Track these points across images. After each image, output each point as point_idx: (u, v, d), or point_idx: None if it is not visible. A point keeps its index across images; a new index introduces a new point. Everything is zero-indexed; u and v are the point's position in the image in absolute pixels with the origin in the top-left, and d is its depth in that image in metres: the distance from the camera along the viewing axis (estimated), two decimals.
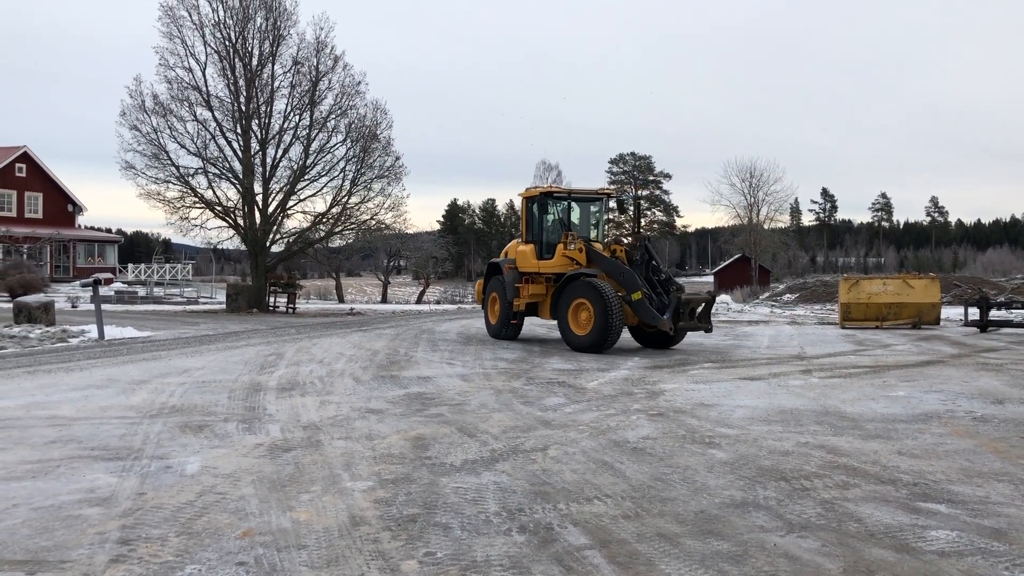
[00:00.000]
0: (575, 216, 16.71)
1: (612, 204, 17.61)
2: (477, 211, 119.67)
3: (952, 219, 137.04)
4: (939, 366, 12.17)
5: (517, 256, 16.51)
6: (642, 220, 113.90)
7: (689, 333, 15.36)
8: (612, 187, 19.52)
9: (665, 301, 13.99)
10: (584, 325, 14.18)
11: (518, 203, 18.14)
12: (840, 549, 4.27)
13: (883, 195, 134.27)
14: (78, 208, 55.49)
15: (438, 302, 51.72)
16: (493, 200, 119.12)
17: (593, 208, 16.90)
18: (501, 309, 16.48)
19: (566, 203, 16.57)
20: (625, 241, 15.63)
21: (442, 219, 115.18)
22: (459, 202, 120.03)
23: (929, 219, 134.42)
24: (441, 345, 15.21)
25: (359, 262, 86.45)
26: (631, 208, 17.04)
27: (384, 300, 54.46)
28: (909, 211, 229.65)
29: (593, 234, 16.53)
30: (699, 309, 14.38)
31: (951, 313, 23.69)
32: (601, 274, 14.52)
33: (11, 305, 20.39)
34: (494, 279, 17.02)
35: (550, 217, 16.19)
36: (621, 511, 4.90)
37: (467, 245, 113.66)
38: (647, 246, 14.91)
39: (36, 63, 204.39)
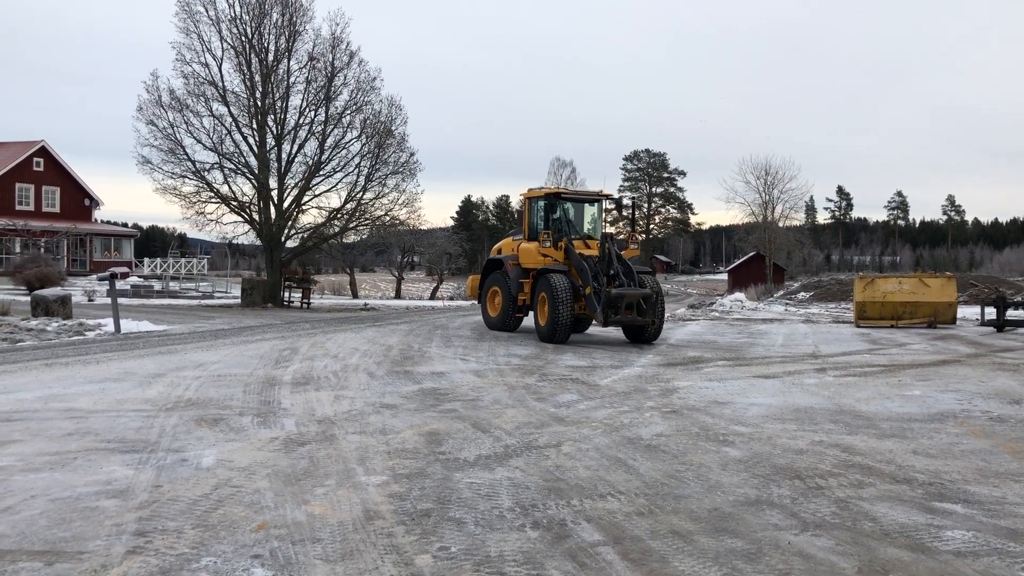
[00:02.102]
0: (575, 215, 17.35)
1: (609, 205, 18.40)
2: (491, 207, 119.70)
3: (969, 218, 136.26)
4: (955, 365, 12.09)
5: (521, 253, 17.00)
6: (654, 218, 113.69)
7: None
8: (611, 192, 20.29)
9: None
10: (545, 316, 15.25)
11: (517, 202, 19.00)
12: (855, 548, 4.25)
13: (899, 193, 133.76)
14: (95, 202, 55.85)
15: (451, 298, 51.82)
16: (507, 196, 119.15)
17: (592, 208, 17.67)
18: (503, 303, 17.18)
19: (567, 203, 17.27)
20: (622, 239, 16.61)
21: (456, 215, 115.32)
22: (473, 198, 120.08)
23: (945, 218, 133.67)
24: (455, 341, 15.23)
25: (373, 258, 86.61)
26: (628, 209, 17.82)
27: (398, 296, 54.60)
28: (925, 210, 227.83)
29: (590, 232, 17.24)
30: (639, 303, 14.56)
31: (967, 312, 23.53)
32: (573, 270, 15.48)
33: (29, 298, 20.54)
34: (494, 274, 17.77)
35: (552, 216, 16.85)
36: (635, 508, 4.89)
37: (481, 241, 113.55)
38: (607, 244, 15.35)
39: (54, 59, 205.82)
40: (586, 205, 17.59)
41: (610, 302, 14.26)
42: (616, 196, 17.23)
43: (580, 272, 15.01)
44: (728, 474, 5.70)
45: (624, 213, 17.48)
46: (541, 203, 17.04)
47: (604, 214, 17.72)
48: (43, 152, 52.15)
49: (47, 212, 51.82)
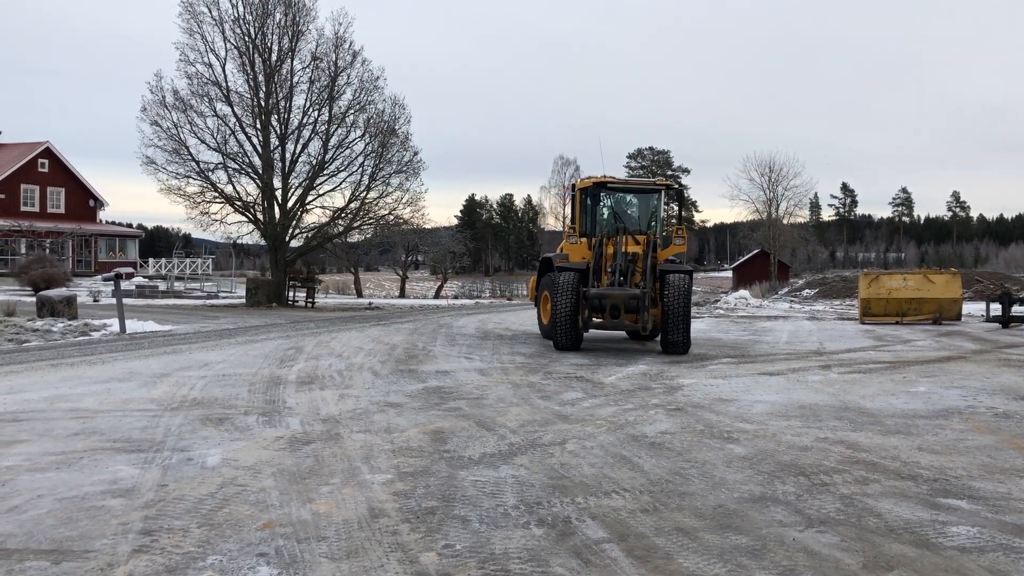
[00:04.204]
0: (630, 209, 15.75)
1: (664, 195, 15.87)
2: (495, 206, 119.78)
3: (974, 214, 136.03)
4: (960, 362, 12.07)
5: (570, 251, 15.09)
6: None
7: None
8: (668, 180, 17.06)
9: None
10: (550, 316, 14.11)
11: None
12: (859, 544, 4.25)
13: (904, 190, 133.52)
14: (100, 203, 55.99)
15: (456, 297, 51.87)
16: (511, 195, 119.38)
17: (651, 199, 15.70)
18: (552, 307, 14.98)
19: (617, 194, 15.65)
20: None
21: (460, 214, 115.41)
22: (477, 197, 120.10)
23: (951, 214, 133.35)
24: (459, 340, 15.23)
25: (377, 257, 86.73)
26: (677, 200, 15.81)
27: (402, 295, 54.62)
28: (930, 206, 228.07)
29: (651, 225, 15.24)
30: (633, 305, 12.65)
31: (972, 309, 23.49)
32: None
33: (34, 299, 20.58)
34: (546, 276, 15.92)
35: (603, 210, 15.30)
36: (639, 505, 4.90)
37: (485, 240, 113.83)
38: (615, 238, 13.87)
39: (59, 60, 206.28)
40: (641, 196, 15.73)
41: (590, 304, 12.69)
42: (677, 185, 15.01)
43: (594, 271, 13.53)
44: (732, 471, 5.70)
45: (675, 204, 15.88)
46: (589, 195, 15.24)
47: (666, 206, 15.31)
48: (48, 153, 52.29)
49: (52, 213, 51.96)
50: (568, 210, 16.65)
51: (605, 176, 15.37)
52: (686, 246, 14.87)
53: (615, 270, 13.26)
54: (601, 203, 15.39)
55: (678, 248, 14.74)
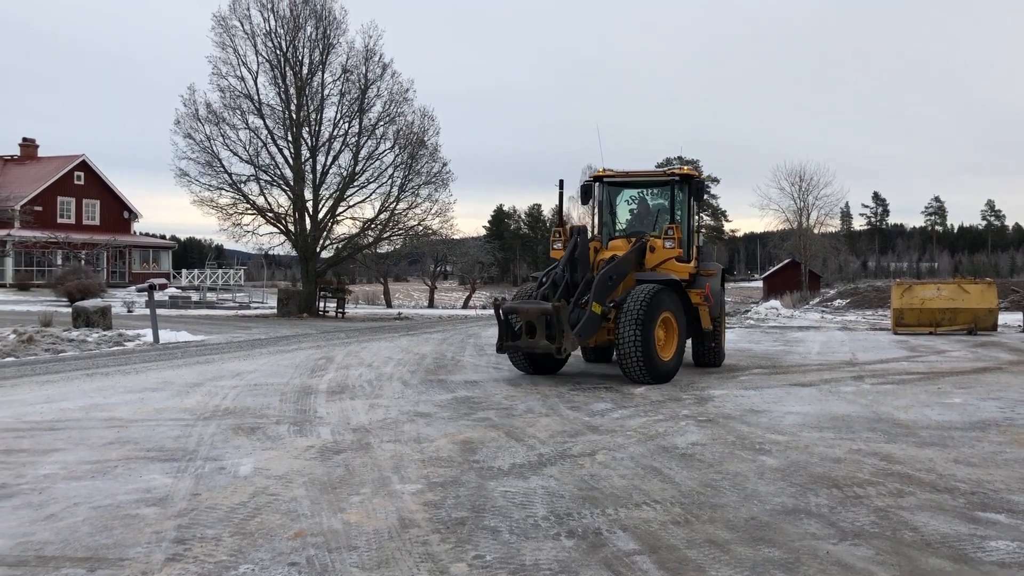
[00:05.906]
0: (637, 205, 13.42)
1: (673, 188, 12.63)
2: (523, 216, 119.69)
3: (1009, 223, 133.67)
4: (997, 373, 11.86)
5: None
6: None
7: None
8: (684, 169, 12.75)
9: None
10: None
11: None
12: (895, 558, 4.19)
13: (936, 199, 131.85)
14: (134, 215, 56.79)
15: (484, 307, 51.88)
16: (539, 205, 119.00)
17: (663, 193, 13.00)
18: None
19: (622, 189, 13.36)
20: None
21: (488, 224, 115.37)
22: (505, 207, 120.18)
23: (985, 223, 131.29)
24: (488, 350, 15.23)
25: (406, 267, 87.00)
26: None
27: (431, 305, 54.76)
28: (964, 215, 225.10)
29: (656, 228, 12.53)
30: (539, 322, 10.19)
31: (1009, 319, 23.07)
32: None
33: (70, 310, 20.91)
34: None
35: (602, 208, 13.22)
36: (670, 517, 4.86)
37: (513, 251, 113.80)
38: (574, 241, 11.52)
39: (95, 74, 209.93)
40: (652, 191, 13.26)
41: (505, 321, 10.73)
42: (697, 176, 12.83)
43: (538, 283, 11.38)
44: (765, 483, 5.64)
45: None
46: (586, 191, 13.11)
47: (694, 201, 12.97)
48: (83, 166, 53.16)
49: (87, 225, 52.76)
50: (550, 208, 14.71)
51: (604, 170, 12.89)
52: (678, 249, 11.92)
53: (551, 280, 11.14)
54: (599, 201, 13.14)
55: (670, 252, 11.79)
